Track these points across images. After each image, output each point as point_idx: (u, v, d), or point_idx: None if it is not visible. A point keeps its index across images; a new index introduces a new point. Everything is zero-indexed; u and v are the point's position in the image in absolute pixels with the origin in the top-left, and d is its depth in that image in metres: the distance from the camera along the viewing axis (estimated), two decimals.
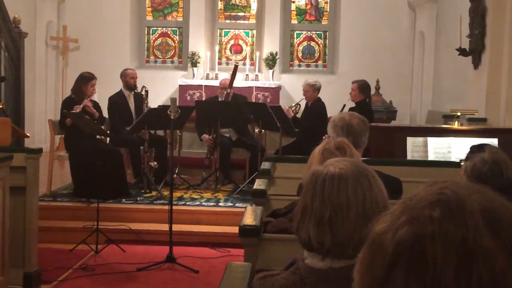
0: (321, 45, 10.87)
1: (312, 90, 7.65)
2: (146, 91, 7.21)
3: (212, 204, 6.54)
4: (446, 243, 0.71)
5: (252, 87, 9.92)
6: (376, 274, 0.75)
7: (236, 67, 7.79)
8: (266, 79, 10.28)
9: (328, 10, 10.82)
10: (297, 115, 7.77)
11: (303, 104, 7.91)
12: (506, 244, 0.71)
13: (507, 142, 5.62)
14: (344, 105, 7.33)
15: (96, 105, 6.83)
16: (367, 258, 0.77)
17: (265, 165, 4.38)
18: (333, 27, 10.74)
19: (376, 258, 0.75)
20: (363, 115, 3.46)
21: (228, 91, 7.53)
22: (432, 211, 0.74)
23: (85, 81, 6.68)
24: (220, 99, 7.71)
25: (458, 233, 0.71)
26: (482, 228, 0.72)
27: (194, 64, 10.30)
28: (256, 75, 10.23)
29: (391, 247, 0.74)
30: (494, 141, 5.52)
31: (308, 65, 10.87)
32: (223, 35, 10.89)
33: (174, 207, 5.43)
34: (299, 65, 10.88)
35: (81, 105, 6.48)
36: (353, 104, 7.21)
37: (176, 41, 10.94)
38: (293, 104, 8.03)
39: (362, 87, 7.25)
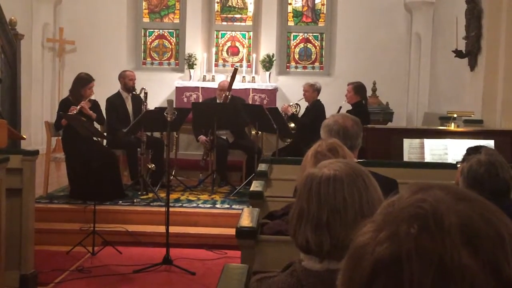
0: (317, 47, 10.87)
1: (311, 90, 7.66)
2: (145, 93, 7.20)
3: (208, 206, 6.54)
4: (422, 262, 0.68)
5: (249, 89, 9.92)
6: None
7: (236, 70, 7.80)
8: (263, 81, 10.28)
9: (324, 12, 10.83)
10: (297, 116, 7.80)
11: (303, 105, 7.92)
12: (485, 262, 0.68)
13: (503, 144, 5.64)
14: (340, 107, 7.34)
15: (96, 104, 6.82)
16: (348, 272, 0.76)
17: (262, 167, 4.39)
18: (329, 29, 10.75)
19: (355, 274, 0.74)
20: (359, 117, 3.45)
21: (227, 94, 7.54)
22: (410, 226, 0.71)
23: (83, 83, 6.67)
24: (218, 101, 7.70)
25: (435, 251, 0.68)
26: (460, 245, 0.68)
27: (191, 66, 10.30)
28: (252, 77, 10.23)
29: (369, 265, 0.72)
30: (490, 143, 5.53)
31: (304, 67, 10.87)
32: (219, 37, 10.89)
33: (170, 209, 5.43)
34: (296, 67, 10.88)
35: (78, 107, 6.47)
36: (349, 106, 7.22)
37: (173, 43, 10.94)
38: (292, 104, 8.04)
39: (357, 88, 7.26)
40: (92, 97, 6.76)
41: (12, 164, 4.47)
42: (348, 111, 6.62)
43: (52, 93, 10.35)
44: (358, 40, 10.23)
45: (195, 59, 10.31)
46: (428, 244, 0.69)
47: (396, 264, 0.69)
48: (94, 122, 6.75)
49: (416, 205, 0.73)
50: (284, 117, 7.43)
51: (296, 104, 8.07)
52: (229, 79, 7.84)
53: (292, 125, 7.68)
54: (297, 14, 10.89)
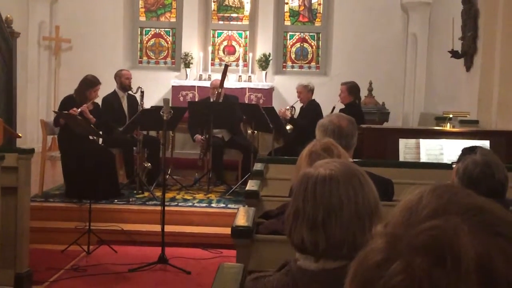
0: (314, 47, 10.87)
1: (306, 91, 7.66)
2: (142, 92, 7.20)
3: (204, 205, 6.54)
4: None
5: (245, 88, 9.91)
6: None
7: (226, 66, 7.80)
8: (259, 80, 10.27)
9: (321, 12, 10.82)
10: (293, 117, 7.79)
11: (297, 107, 7.92)
12: None
13: (498, 144, 5.65)
14: (334, 107, 7.35)
15: (97, 107, 6.83)
16: None
17: (258, 166, 4.39)
18: (326, 28, 10.75)
19: None
20: (353, 117, 3.45)
21: (219, 91, 7.52)
22: (425, 260, 0.67)
23: (89, 85, 6.69)
24: (212, 100, 7.70)
25: None
26: (476, 285, 0.65)
27: (187, 65, 10.28)
28: (249, 76, 10.22)
29: None
30: (485, 143, 5.54)
31: (301, 67, 10.87)
32: (216, 36, 10.88)
33: (166, 208, 5.42)
34: (292, 67, 10.88)
35: (79, 109, 6.47)
36: (342, 106, 7.22)
37: (169, 42, 10.92)
38: (288, 108, 8.03)
39: (350, 88, 7.26)
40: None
41: (8, 162, 4.46)
42: (341, 111, 6.61)
43: (48, 91, 10.32)
44: (355, 40, 10.23)
45: (192, 58, 10.30)
46: (443, 283, 0.66)
47: None
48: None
49: (432, 234, 0.69)
50: (282, 120, 7.41)
51: (292, 107, 8.07)
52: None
53: (288, 127, 7.66)
54: (294, 13, 10.89)
